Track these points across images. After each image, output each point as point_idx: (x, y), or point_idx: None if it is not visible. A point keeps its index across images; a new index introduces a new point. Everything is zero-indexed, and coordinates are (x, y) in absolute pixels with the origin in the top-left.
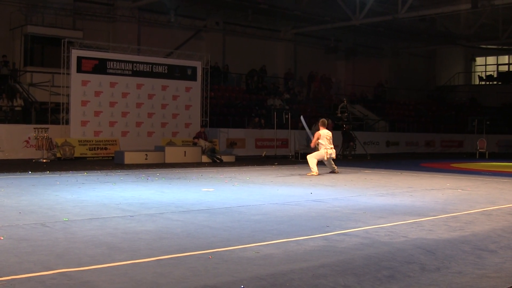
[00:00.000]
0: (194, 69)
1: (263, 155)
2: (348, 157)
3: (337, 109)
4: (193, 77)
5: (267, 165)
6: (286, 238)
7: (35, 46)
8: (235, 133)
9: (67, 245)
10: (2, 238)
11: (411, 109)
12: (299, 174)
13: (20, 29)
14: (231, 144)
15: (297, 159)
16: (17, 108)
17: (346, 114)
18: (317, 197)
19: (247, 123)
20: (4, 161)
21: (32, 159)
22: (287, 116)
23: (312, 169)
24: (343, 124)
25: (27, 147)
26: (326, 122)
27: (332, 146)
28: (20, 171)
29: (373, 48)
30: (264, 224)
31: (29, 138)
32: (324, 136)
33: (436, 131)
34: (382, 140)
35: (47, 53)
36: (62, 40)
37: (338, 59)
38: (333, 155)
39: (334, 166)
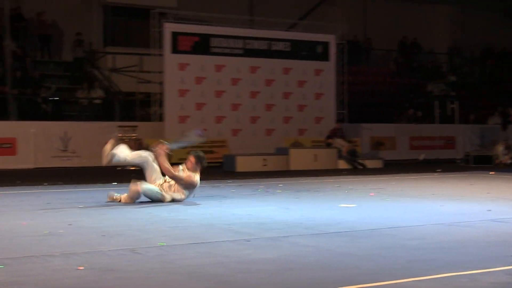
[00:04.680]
0: (325, 45)
1: (420, 158)
2: None
3: None
4: (324, 56)
5: (426, 172)
6: (454, 271)
7: (117, 20)
8: (382, 129)
9: (163, 278)
10: (82, 268)
11: None
12: (471, 184)
13: None
14: (377, 144)
15: (468, 164)
16: (96, 101)
17: None
18: (498, 215)
19: (398, 117)
20: (81, 170)
21: (116, 167)
22: (453, 106)
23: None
24: None
25: None
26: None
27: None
28: (102, 182)
29: None
30: (423, 251)
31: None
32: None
33: None
34: None
35: (132, 28)
36: (152, 11)
37: None
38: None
39: None
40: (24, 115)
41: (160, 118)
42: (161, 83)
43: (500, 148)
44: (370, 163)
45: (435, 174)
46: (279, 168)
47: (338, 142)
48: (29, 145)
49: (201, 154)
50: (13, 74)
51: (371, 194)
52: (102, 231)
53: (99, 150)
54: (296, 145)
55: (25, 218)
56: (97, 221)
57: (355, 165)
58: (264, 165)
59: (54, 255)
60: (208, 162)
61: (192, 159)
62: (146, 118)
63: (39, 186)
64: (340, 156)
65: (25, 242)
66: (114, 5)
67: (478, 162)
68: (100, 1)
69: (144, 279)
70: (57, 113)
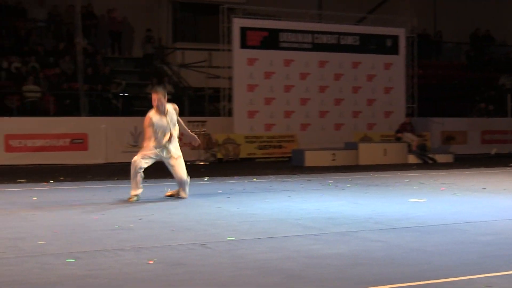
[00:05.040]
0: (395, 38)
1: (492, 153)
2: None
3: None
4: (394, 50)
5: (498, 166)
6: None
7: (186, 16)
8: (452, 123)
9: (233, 272)
10: (152, 262)
11: None
12: None
13: None
14: (448, 138)
15: None
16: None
17: None
18: None
19: (469, 110)
20: (151, 165)
21: (185, 162)
22: None
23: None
24: None
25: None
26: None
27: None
28: (170, 177)
29: None
30: (496, 247)
31: (181, 134)
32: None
33: None
34: None
35: (201, 24)
36: (221, 7)
37: None
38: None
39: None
40: (95, 111)
41: (229, 113)
42: (230, 78)
43: None
44: (440, 158)
45: (508, 168)
46: (348, 162)
47: (408, 136)
48: (100, 140)
49: (155, 87)
50: (84, 70)
51: (442, 188)
52: (172, 225)
53: None
54: (365, 139)
55: (96, 212)
56: (166, 215)
57: (425, 160)
58: (333, 160)
59: (125, 249)
60: (277, 157)
61: (154, 96)
62: (215, 113)
63: (110, 181)
64: (410, 151)
65: (96, 236)
66: (183, 1)
67: None
68: None
69: (213, 274)
70: (127, 109)
